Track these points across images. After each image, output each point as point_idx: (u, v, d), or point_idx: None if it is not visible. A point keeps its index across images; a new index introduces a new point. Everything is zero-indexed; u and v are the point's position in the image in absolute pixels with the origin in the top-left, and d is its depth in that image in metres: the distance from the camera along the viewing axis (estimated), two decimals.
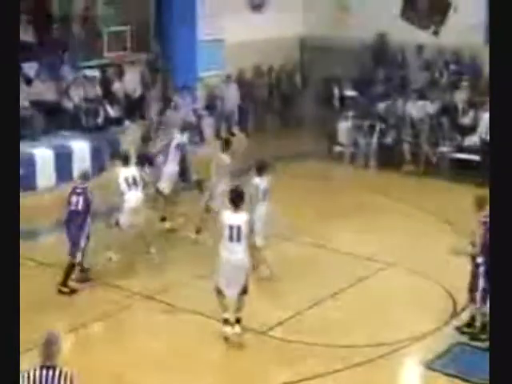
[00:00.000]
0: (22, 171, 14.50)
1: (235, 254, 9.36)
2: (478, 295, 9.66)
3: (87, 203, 10.97)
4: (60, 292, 10.93)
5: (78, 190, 11.08)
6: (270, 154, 17.72)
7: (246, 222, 9.44)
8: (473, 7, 17.73)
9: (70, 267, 11.04)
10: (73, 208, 11.02)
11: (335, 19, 21.45)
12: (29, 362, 8.64)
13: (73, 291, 11.01)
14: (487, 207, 9.22)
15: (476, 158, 16.42)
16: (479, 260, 9.58)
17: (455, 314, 10.43)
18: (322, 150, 18.64)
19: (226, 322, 9.54)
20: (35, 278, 11.11)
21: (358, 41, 20.41)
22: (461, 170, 16.81)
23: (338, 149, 18.64)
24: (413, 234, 13.40)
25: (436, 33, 20.45)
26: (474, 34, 17.87)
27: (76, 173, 13.59)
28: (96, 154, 16.49)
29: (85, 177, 11.39)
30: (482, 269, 9.56)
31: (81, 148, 16.39)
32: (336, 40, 20.61)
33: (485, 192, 9.54)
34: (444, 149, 17.32)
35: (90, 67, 18.36)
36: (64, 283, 10.98)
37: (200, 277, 11.04)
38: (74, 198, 11.03)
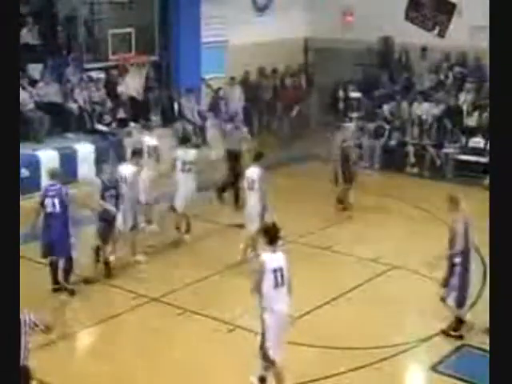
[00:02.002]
0: (26, 173, 14.74)
1: (283, 300, 8.09)
2: (453, 297, 9.72)
3: (64, 204, 10.69)
4: (64, 289, 10.93)
5: (51, 193, 10.73)
6: (275, 155, 17.78)
7: (286, 261, 8.13)
8: (478, 9, 17.69)
9: (69, 265, 11.01)
10: (49, 210, 10.68)
11: (339, 21, 21.50)
12: (31, 362, 8.77)
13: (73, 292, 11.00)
14: (462, 207, 9.58)
15: (481, 159, 16.40)
16: (457, 260, 9.64)
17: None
18: (326, 152, 18.60)
19: (263, 380, 8.50)
20: (39, 279, 11.15)
21: (362, 42, 20.41)
22: (465, 172, 16.81)
23: None
24: (418, 236, 13.38)
25: (441, 35, 20.44)
26: (479, 36, 17.82)
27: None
28: (100, 156, 16.49)
29: (54, 176, 11.05)
30: (458, 269, 9.63)
31: (85, 150, 16.41)
32: (340, 42, 20.63)
33: (457, 191, 9.88)
34: (448, 150, 17.31)
35: (95, 69, 18.38)
36: (66, 281, 11.01)
37: (202, 279, 11.06)
38: (48, 201, 10.69)
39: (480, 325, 9.71)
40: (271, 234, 8.15)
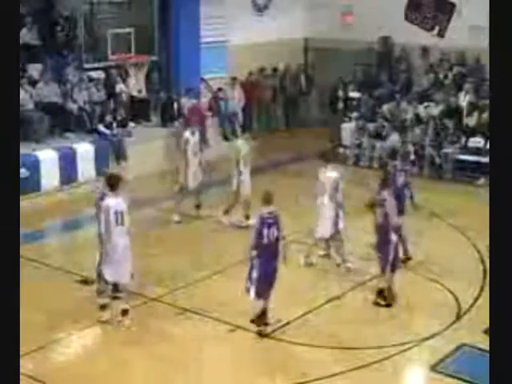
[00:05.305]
0: (26, 173, 14.74)
1: (121, 236, 9.68)
2: (253, 289, 9.66)
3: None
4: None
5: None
6: (274, 155, 17.78)
7: (126, 205, 9.72)
8: (477, 9, 17.71)
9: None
10: None
11: (339, 21, 21.51)
12: (32, 363, 8.79)
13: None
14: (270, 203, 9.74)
15: (481, 159, 16.41)
16: (253, 253, 9.66)
17: (459, 315, 10.42)
18: (326, 152, 18.59)
19: (104, 307, 10.02)
20: (38, 279, 11.15)
21: (362, 42, 20.41)
22: (465, 172, 16.80)
23: (341, 150, 18.62)
24: (418, 236, 13.35)
25: (440, 34, 20.45)
26: (479, 36, 17.83)
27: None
28: (100, 156, 16.50)
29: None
30: (255, 262, 9.63)
31: (85, 150, 16.41)
32: (340, 41, 20.64)
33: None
34: (448, 150, 17.31)
35: (95, 69, 18.37)
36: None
37: (203, 279, 11.06)
38: None
39: (480, 325, 9.71)
40: (112, 183, 9.72)
